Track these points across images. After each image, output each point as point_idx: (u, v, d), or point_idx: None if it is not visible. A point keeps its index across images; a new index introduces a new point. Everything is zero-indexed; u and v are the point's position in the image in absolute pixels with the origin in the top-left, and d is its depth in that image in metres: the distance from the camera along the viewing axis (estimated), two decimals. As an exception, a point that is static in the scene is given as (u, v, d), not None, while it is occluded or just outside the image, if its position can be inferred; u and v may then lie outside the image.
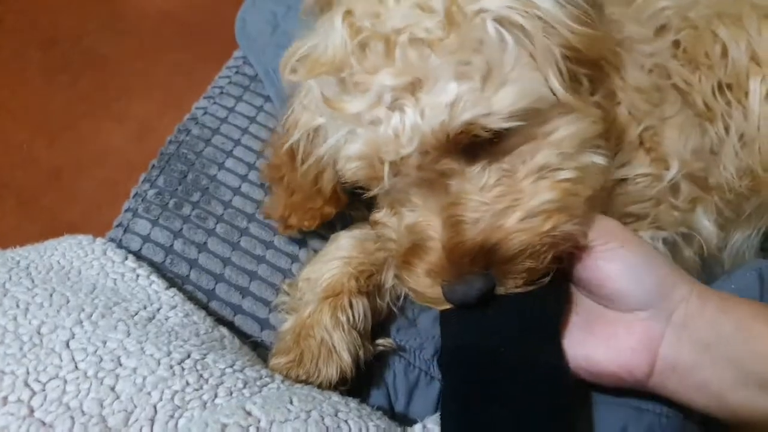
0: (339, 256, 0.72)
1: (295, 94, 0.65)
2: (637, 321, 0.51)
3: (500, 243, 0.52)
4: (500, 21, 0.52)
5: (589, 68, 0.57)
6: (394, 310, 0.74)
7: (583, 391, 0.58)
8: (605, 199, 0.61)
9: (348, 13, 0.54)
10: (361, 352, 0.67)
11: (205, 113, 0.93)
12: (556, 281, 0.55)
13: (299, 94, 0.64)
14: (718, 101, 0.68)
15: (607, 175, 0.59)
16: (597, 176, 0.57)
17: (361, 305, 0.68)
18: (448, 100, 0.50)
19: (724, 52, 0.68)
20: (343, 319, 0.66)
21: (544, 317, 0.55)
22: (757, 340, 0.47)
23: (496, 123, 0.51)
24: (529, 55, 0.52)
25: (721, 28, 0.68)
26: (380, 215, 0.64)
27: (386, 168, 0.53)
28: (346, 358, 0.65)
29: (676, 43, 0.68)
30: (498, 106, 0.51)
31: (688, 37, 0.68)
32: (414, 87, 0.50)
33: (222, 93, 0.96)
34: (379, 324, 0.73)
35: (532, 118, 0.53)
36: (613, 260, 0.52)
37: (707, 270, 0.74)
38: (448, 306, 0.56)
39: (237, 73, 1.00)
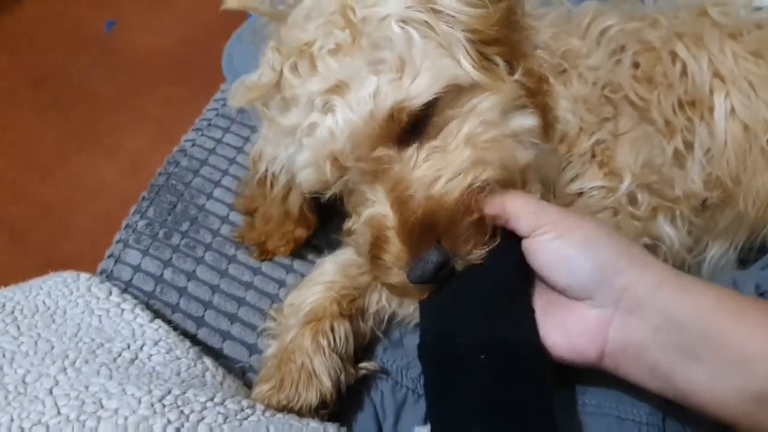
0: (322, 280, 0.70)
1: (259, 129, 0.66)
2: (584, 309, 0.50)
3: (435, 210, 0.53)
4: (403, 20, 0.54)
5: (498, 47, 0.58)
6: (378, 334, 0.72)
7: (570, 398, 0.58)
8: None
9: (276, 45, 0.59)
10: (342, 376, 0.65)
11: (194, 145, 0.92)
12: (515, 257, 0.54)
13: (262, 128, 0.65)
14: (678, 117, 0.67)
15: (537, 132, 0.60)
16: (526, 134, 0.58)
17: (342, 329, 0.67)
18: (371, 90, 0.52)
19: (684, 71, 0.67)
20: (324, 343, 0.65)
21: (511, 293, 0.54)
22: (713, 332, 0.45)
23: (419, 103, 0.53)
24: (437, 45, 0.55)
25: (681, 47, 0.68)
26: (350, 223, 0.63)
27: (328, 166, 0.55)
28: (326, 382, 0.63)
29: (635, 65, 0.68)
30: (417, 92, 0.53)
31: (645, 58, 0.68)
32: (340, 89, 0.53)
33: (210, 125, 0.95)
34: (365, 346, 0.71)
35: (453, 99, 0.55)
36: (545, 252, 0.50)
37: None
38: (418, 298, 0.57)
39: (224, 105, 0.99)
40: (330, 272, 0.71)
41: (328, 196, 0.61)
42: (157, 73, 1.53)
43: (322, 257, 0.79)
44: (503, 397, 0.50)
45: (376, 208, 0.56)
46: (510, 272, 0.55)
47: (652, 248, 0.67)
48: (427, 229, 0.53)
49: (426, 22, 0.55)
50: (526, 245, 0.52)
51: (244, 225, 0.81)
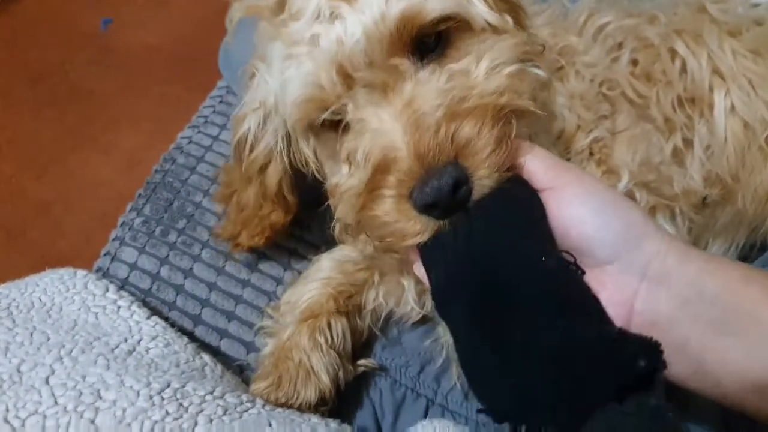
0: (318, 277, 0.71)
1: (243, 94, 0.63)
2: (607, 277, 0.45)
3: (462, 124, 0.48)
4: None
5: (508, 6, 0.56)
6: (376, 331, 0.73)
7: None
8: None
9: None
10: (340, 373, 0.66)
11: (190, 142, 0.93)
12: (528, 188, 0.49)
13: (249, 86, 0.61)
14: (678, 115, 0.68)
15: (542, 93, 0.58)
16: (537, 84, 0.56)
17: (340, 326, 0.67)
18: None
19: (684, 68, 0.68)
20: (321, 340, 0.66)
21: (531, 217, 0.48)
22: (745, 305, 0.42)
23: (432, 14, 0.50)
24: None
25: (680, 44, 0.69)
26: (335, 178, 0.57)
27: (333, 76, 0.50)
28: (325, 379, 0.64)
29: (634, 62, 0.69)
30: (430, 4, 0.50)
31: (644, 55, 0.69)
32: None
33: (206, 122, 0.96)
34: (363, 343, 0.72)
35: (470, 38, 0.53)
36: (577, 203, 0.46)
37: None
38: (424, 237, 0.48)
39: (221, 102, 1.00)
40: (327, 269, 0.72)
41: (321, 119, 0.53)
42: (153, 70, 1.54)
43: (319, 254, 0.80)
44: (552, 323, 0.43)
45: (381, 133, 0.50)
46: (523, 196, 0.49)
47: None
48: (446, 143, 0.47)
49: None
50: (550, 196, 0.47)
51: (223, 224, 0.78)
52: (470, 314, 0.46)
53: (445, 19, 0.51)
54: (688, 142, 0.69)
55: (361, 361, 0.70)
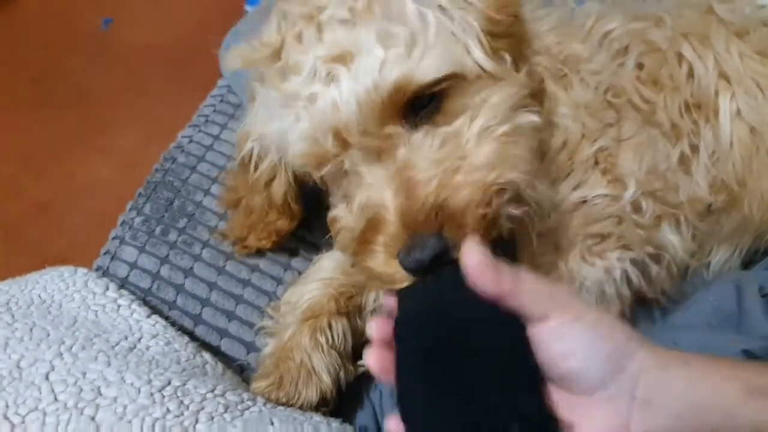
0: (319, 277, 0.71)
1: (248, 108, 0.65)
2: (597, 403, 0.45)
3: (450, 198, 0.50)
4: (421, 2, 0.53)
5: (507, 42, 0.57)
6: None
7: None
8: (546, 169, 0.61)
9: (284, 14, 0.56)
10: (341, 373, 0.66)
11: (191, 141, 0.93)
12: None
13: (251, 108, 0.63)
14: (685, 120, 0.67)
15: (540, 134, 0.59)
16: (532, 132, 0.57)
17: (341, 326, 0.68)
18: (378, 63, 0.51)
19: (690, 73, 0.68)
20: (323, 340, 0.66)
21: None
22: (730, 408, 0.44)
23: (426, 78, 0.52)
24: (449, 32, 0.54)
25: (687, 47, 0.68)
26: (336, 211, 0.61)
27: (329, 139, 0.53)
28: (326, 380, 0.64)
29: (640, 66, 0.68)
30: (425, 71, 0.52)
31: (651, 60, 0.68)
32: (344, 58, 0.52)
33: (207, 121, 0.96)
34: (363, 343, 0.72)
35: (464, 89, 0.54)
36: (559, 339, 0.45)
37: (690, 284, 0.74)
38: (407, 283, 0.51)
39: (222, 101, 1.00)
40: (328, 269, 0.72)
41: (320, 174, 0.58)
42: (152, 69, 1.54)
43: (320, 254, 0.80)
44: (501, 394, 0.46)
45: (373, 188, 0.53)
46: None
47: (656, 257, 0.68)
48: (434, 214, 0.50)
49: (440, 6, 0.54)
50: (536, 333, 0.46)
51: (228, 224, 0.80)
52: (418, 358, 0.48)
53: (439, 81, 0.53)
54: (694, 149, 0.68)
55: (362, 362, 0.70)
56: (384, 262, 0.52)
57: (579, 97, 0.65)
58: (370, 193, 0.54)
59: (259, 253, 0.81)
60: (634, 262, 0.66)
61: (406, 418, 0.47)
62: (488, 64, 0.54)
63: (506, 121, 0.55)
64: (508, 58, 0.57)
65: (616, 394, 0.44)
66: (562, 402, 0.46)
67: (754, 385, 0.44)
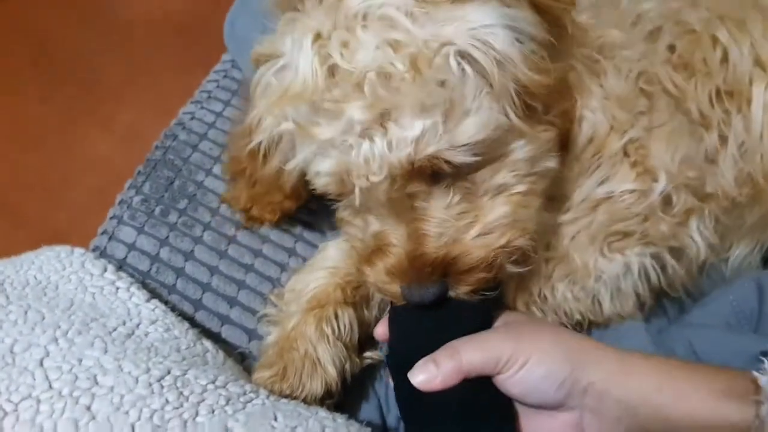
0: (325, 266, 0.70)
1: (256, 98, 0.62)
2: (557, 414, 0.56)
3: (459, 257, 0.56)
4: (462, 55, 0.53)
5: (543, 100, 0.58)
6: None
7: None
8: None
9: (317, 36, 0.54)
10: (347, 365, 0.65)
11: (193, 118, 0.90)
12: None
13: (261, 100, 0.61)
14: (715, 109, 0.65)
15: (554, 175, 0.62)
16: (547, 178, 0.61)
17: (347, 316, 0.66)
18: (414, 135, 0.52)
19: (725, 58, 0.66)
20: (328, 330, 0.64)
21: (482, 319, 0.60)
22: (660, 411, 0.53)
23: (458, 158, 0.53)
24: (488, 85, 0.54)
25: (723, 31, 0.66)
26: (345, 214, 0.64)
27: (357, 191, 0.55)
28: (331, 371, 0.63)
29: (671, 48, 0.66)
30: (460, 138, 0.53)
31: (684, 42, 0.66)
32: (382, 118, 0.52)
33: (210, 97, 0.94)
34: (369, 336, 0.71)
35: (491, 146, 0.55)
36: (513, 385, 0.55)
37: (708, 279, 0.72)
38: (401, 302, 0.59)
39: (225, 77, 0.98)
40: (334, 257, 0.71)
41: (338, 204, 0.62)
42: (154, 42, 1.52)
43: (325, 240, 0.79)
44: (468, 412, 0.56)
45: (388, 225, 0.58)
46: (487, 312, 0.61)
47: (678, 253, 0.66)
48: (440, 267, 0.56)
49: (481, 64, 0.53)
50: (497, 381, 0.56)
51: (231, 190, 0.78)
52: (399, 379, 0.57)
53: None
54: (723, 139, 0.66)
55: (368, 354, 0.69)
56: (384, 280, 0.58)
57: (611, 87, 0.63)
58: (384, 228, 0.58)
59: (263, 237, 0.80)
60: (654, 257, 0.65)
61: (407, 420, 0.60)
62: (519, 123, 0.56)
63: (524, 178, 0.58)
64: (539, 106, 0.58)
65: (570, 407, 0.55)
66: (536, 411, 0.57)
67: (679, 391, 0.53)
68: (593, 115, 0.63)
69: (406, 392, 0.57)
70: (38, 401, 0.46)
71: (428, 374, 0.55)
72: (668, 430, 0.53)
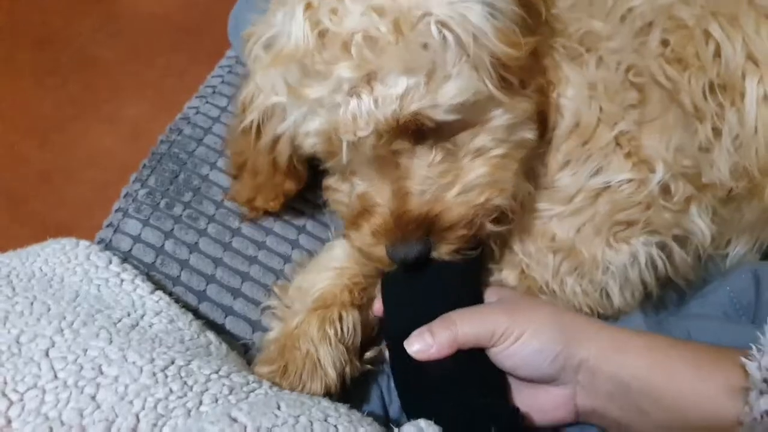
0: (332, 266, 0.69)
1: (250, 73, 0.66)
2: (550, 389, 0.58)
3: (441, 214, 0.59)
4: (442, 24, 0.56)
5: (517, 74, 0.61)
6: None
7: None
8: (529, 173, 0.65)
9: (308, 6, 0.58)
10: (347, 368, 0.64)
11: (198, 113, 0.91)
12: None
13: (254, 74, 0.64)
14: (709, 102, 0.65)
15: (533, 148, 0.64)
16: (524, 148, 0.63)
17: (351, 319, 0.66)
18: (399, 93, 0.55)
19: (717, 53, 0.65)
20: (331, 332, 0.64)
21: (469, 286, 0.63)
22: (651, 388, 0.54)
23: (440, 115, 0.57)
24: (466, 58, 0.57)
25: (715, 26, 0.66)
26: (332, 181, 0.68)
27: (344, 147, 0.57)
28: (331, 373, 0.63)
29: (664, 43, 0.66)
30: (441, 99, 0.56)
31: (676, 37, 0.66)
32: (369, 78, 0.55)
33: (214, 92, 0.94)
34: (372, 338, 0.70)
35: (472, 108, 0.59)
36: (507, 358, 0.57)
37: (706, 273, 0.72)
38: (388, 267, 0.61)
39: (230, 72, 0.98)
40: (340, 257, 0.70)
41: (325, 166, 0.65)
42: (159, 38, 1.52)
43: (328, 232, 0.79)
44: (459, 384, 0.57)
45: (373, 185, 0.60)
46: (474, 279, 0.64)
47: (682, 240, 0.66)
48: (424, 224, 0.58)
49: (459, 36, 0.56)
50: (490, 354, 0.58)
51: (236, 187, 0.79)
52: (398, 339, 0.59)
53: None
54: (717, 132, 0.66)
55: (368, 354, 0.68)
56: (370, 242, 0.61)
57: (594, 77, 0.63)
58: (369, 188, 0.61)
59: (266, 230, 0.80)
60: (660, 246, 0.65)
61: (405, 407, 0.62)
62: (497, 93, 0.59)
63: (502, 143, 0.61)
64: (516, 81, 0.61)
65: (563, 382, 0.57)
66: (529, 385, 0.59)
67: (670, 368, 0.54)
68: (572, 103, 0.63)
69: (401, 362, 0.59)
70: (44, 391, 0.46)
71: (424, 344, 0.57)
72: (659, 408, 0.54)
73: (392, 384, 0.69)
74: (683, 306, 0.71)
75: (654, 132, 0.63)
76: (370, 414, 0.58)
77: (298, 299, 0.69)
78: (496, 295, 0.64)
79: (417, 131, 0.58)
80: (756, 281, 0.67)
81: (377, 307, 0.65)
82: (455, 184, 0.59)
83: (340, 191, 0.67)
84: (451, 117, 0.57)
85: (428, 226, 0.58)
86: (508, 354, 0.56)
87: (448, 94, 0.56)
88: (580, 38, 0.65)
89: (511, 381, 0.60)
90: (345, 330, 0.65)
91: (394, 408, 0.69)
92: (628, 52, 0.64)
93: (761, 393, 0.49)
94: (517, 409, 0.58)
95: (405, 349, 0.58)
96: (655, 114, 0.64)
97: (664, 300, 0.72)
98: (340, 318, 0.65)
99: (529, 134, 0.63)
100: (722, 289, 0.68)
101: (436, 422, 0.56)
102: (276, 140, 0.66)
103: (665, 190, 0.63)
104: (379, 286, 0.66)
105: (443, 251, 0.60)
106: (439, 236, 0.59)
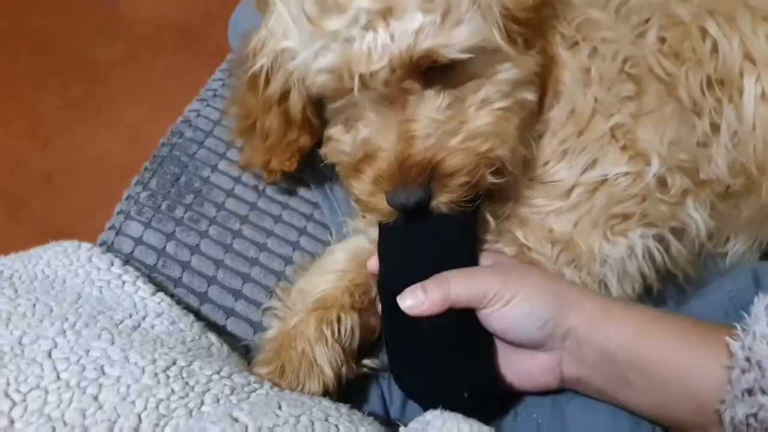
0: (334, 269, 0.69)
1: (262, 21, 0.66)
2: (537, 354, 0.59)
3: (444, 160, 0.59)
4: None
5: (524, 27, 0.62)
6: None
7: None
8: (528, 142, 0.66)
9: None
10: (343, 369, 0.64)
11: (198, 116, 0.91)
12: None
13: (266, 21, 0.65)
14: (707, 97, 0.65)
15: (533, 112, 0.66)
16: (525, 109, 0.64)
17: (350, 321, 0.65)
18: (414, 28, 0.56)
19: (714, 49, 0.66)
20: (328, 332, 0.64)
21: (466, 242, 0.63)
22: (637, 359, 0.54)
23: (453, 53, 0.57)
24: (477, 9, 0.59)
25: (712, 24, 0.66)
26: (334, 131, 0.68)
27: (356, 80, 0.57)
28: (328, 372, 0.62)
29: (661, 40, 0.66)
30: (455, 39, 0.57)
31: (673, 33, 0.66)
32: (386, 13, 0.56)
33: (215, 95, 0.94)
34: (372, 343, 0.70)
35: (480, 58, 0.60)
36: (496, 320, 0.57)
37: (705, 271, 0.72)
38: (387, 217, 0.61)
39: (231, 75, 0.98)
40: (342, 260, 0.70)
41: (333, 105, 0.65)
42: (159, 42, 1.52)
43: (328, 233, 0.80)
44: (450, 342, 0.59)
45: (379, 129, 0.60)
46: (471, 237, 0.64)
47: (679, 233, 0.66)
48: (426, 169, 0.58)
49: None
50: (479, 315, 0.58)
51: (246, 152, 0.79)
52: (389, 306, 0.60)
53: (464, 52, 0.58)
54: (715, 127, 0.66)
55: (365, 361, 0.68)
56: (369, 191, 0.61)
57: (586, 64, 0.64)
58: (374, 132, 0.61)
59: (267, 231, 0.80)
60: (657, 239, 0.65)
61: (391, 362, 0.63)
62: (504, 46, 0.60)
63: (506, 97, 0.62)
64: (520, 41, 0.62)
65: (550, 348, 0.58)
66: (516, 349, 0.59)
67: (656, 339, 0.55)
68: (567, 88, 0.65)
69: (392, 318, 0.60)
70: (46, 392, 0.47)
71: (416, 300, 0.58)
72: (643, 379, 0.54)
73: (393, 384, 0.69)
74: (683, 305, 0.71)
75: (650, 125, 0.64)
76: (370, 414, 0.58)
77: (299, 300, 0.69)
78: (492, 260, 0.64)
79: (428, 72, 0.59)
80: (755, 281, 0.67)
81: (372, 263, 0.65)
82: (460, 132, 0.60)
83: (341, 141, 0.66)
84: (463, 56, 0.57)
85: (431, 172, 0.58)
86: (498, 316, 0.57)
87: (460, 37, 0.57)
88: (578, 25, 0.66)
89: (499, 345, 0.61)
90: (343, 331, 0.65)
91: (395, 408, 0.69)
92: (626, 44, 0.65)
93: (743, 371, 0.49)
94: (497, 377, 0.59)
95: (397, 304, 0.58)
96: (651, 107, 0.64)
97: (664, 295, 0.72)
98: (339, 319, 0.65)
99: (531, 96, 0.64)
100: (722, 289, 0.68)
101: (415, 377, 0.60)
102: (287, 89, 0.66)
103: (662, 182, 0.64)
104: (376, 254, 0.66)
105: (443, 200, 0.60)
106: (441, 183, 0.59)
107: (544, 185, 0.66)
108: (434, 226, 0.61)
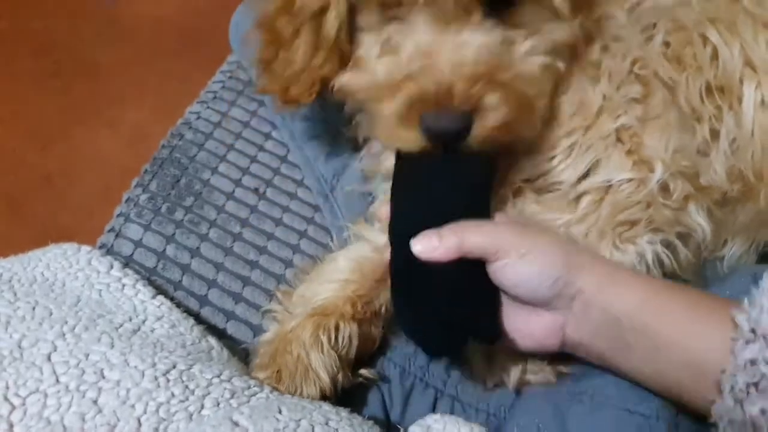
0: (336, 278, 0.68)
1: None
2: (543, 313, 0.58)
3: (492, 92, 0.57)
4: None
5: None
6: (388, 333, 0.70)
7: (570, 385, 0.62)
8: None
9: None
10: (339, 376, 0.63)
11: (199, 118, 0.91)
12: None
13: None
14: (706, 104, 0.65)
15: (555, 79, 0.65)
16: (553, 76, 0.64)
17: (348, 330, 0.64)
18: None
19: (715, 55, 0.66)
20: (324, 339, 0.63)
21: (482, 193, 0.62)
22: (641, 324, 0.54)
23: None
24: None
25: (713, 31, 0.66)
26: (368, 53, 0.63)
27: None
28: (324, 377, 0.62)
29: (666, 44, 0.66)
30: None
31: (675, 38, 0.66)
32: None
33: (216, 98, 0.95)
34: (369, 354, 0.69)
35: (537, 8, 0.60)
36: (507, 274, 0.56)
37: (704, 273, 0.72)
38: (412, 148, 0.59)
39: (231, 77, 0.98)
40: (345, 270, 0.69)
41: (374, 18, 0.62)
42: (160, 43, 1.52)
43: (328, 238, 0.79)
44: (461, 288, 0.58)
45: (430, 50, 0.57)
46: (487, 189, 0.62)
47: (686, 236, 0.66)
48: (471, 97, 0.56)
49: None
50: (490, 269, 0.57)
51: (264, 79, 0.73)
52: (403, 236, 0.58)
53: None
54: (714, 134, 0.66)
55: (363, 371, 0.67)
56: (402, 115, 0.57)
57: (597, 59, 0.65)
58: (425, 51, 0.58)
59: (267, 234, 0.80)
60: (665, 244, 0.64)
61: (396, 307, 0.61)
62: (561, 2, 0.60)
63: (549, 54, 0.62)
64: (567, 4, 0.61)
65: (556, 308, 0.57)
66: (521, 305, 0.58)
67: (661, 307, 0.54)
68: (577, 78, 0.65)
69: (401, 261, 0.59)
70: (45, 395, 0.46)
71: (430, 244, 0.56)
72: (646, 344, 0.54)
73: (393, 388, 0.69)
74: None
75: (656, 131, 0.64)
76: (371, 418, 0.58)
77: (299, 305, 0.69)
78: (505, 218, 0.63)
79: (491, 2, 0.58)
80: (756, 283, 0.67)
81: (383, 210, 0.64)
82: (507, 70, 0.59)
83: (376, 63, 0.62)
84: None
85: (476, 103, 0.56)
86: (509, 270, 0.56)
87: None
88: (597, 19, 0.66)
89: (505, 302, 0.60)
90: (340, 339, 0.64)
91: (395, 412, 0.69)
92: (636, 45, 0.65)
93: (747, 342, 0.49)
94: (501, 331, 0.59)
95: (408, 247, 0.57)
96: (657, 111, 0.64)
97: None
98: (337, 327, 0.64)
99: (561, 64, 0.63)
100: (722, 294, 0.68)
101: (420, 322, 0.58)
102: (326, 4, 0.63)
103: (664, 188, 0.63)
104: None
105: (479, 134, 0.57)
106: (482, 116, 0.57)
107: (552, 195, 0.66)
108: (455, 170, 0.60)
